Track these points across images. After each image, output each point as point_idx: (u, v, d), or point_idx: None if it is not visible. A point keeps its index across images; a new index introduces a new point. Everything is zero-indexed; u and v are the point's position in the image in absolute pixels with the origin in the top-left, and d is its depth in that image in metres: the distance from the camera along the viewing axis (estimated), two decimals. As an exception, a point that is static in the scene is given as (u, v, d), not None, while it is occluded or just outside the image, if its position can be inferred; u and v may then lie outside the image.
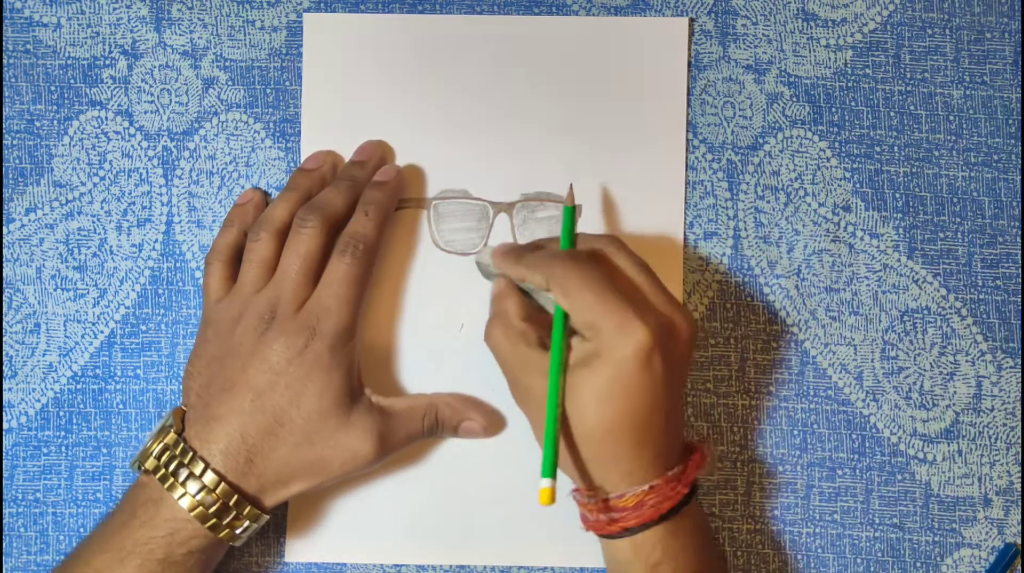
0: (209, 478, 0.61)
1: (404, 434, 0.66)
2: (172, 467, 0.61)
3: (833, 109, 0.71)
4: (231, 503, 0.61)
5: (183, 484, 0.61)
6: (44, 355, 0.70)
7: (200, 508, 0.61)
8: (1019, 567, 0.69)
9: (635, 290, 0.61)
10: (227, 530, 0.61)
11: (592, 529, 0.62)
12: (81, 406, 0.70)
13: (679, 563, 0.61)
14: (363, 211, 0.66)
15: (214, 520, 0.61)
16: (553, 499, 0.59)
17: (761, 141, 0.71)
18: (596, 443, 0.60)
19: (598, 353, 0.59)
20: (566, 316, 0.61)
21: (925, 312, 0.70)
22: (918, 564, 0.69)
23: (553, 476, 0.59)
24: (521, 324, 0.63)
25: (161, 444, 0.62)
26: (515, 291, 0.65)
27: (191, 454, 0.61)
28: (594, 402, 0.59)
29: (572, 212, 0.66)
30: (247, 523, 0.62)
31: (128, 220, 0.70)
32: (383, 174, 0.68)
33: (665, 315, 0.60)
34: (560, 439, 0.60)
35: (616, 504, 0.61)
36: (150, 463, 0.62)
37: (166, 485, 0.61)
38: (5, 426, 0.70)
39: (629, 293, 0.60)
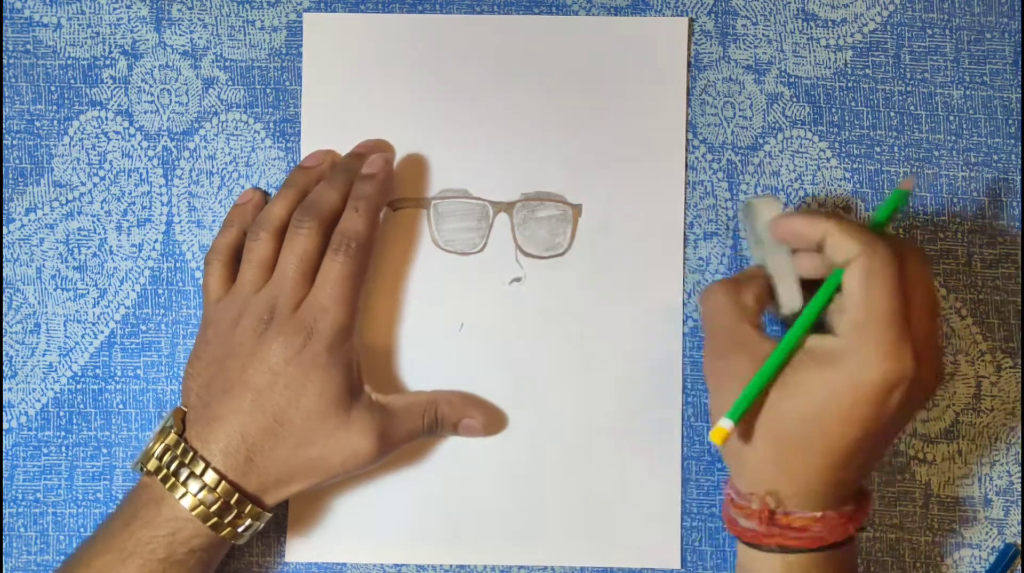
0: (210, 477, 0.61)
1: (404, 432, 0.66)
2: (173, 467, 0.61)
3: (833, 109, 0.71)
4: (232, 502, 0.61)
5: (184, 483, 0.61)
6: (44, 355, 0.70)
7: (201, 507, 0.61)
8: (1019, 567, 0.69)
9: (913, 312, 0.56)
10: (229, 529, 0.61)
11: (739, 535, 0.60)
12: (81, 406, 0.70)
13: None
14: (353, 207, 0.65)
15: (215, 519, 0.61)
16: (725, 440, 0.56)
17: (761, 141, 0.71)
18: (790, 448, 0.57)
19: (839, 359, 0.56)
20: (832, 297, 0.58)
21: (925, 312, 0.70)
22: (918, 564, 0.69)
23: (737, 422, 0.56)
24: (755, 305, 0.61)
25: (162, 445, 0.62)
26: (764, 279, 0.62)
27: (192, 454, 0.61)
28: (809, 406, 0.57)
29: (905, 197, 0.62)
30: (249, 521, 0.62)
31: (128, 220, 0.70)
32: (370, 166, 0.67)
33: (926, 357, 0.56)
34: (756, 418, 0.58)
35: (781, 520, 0.58)
36: (152, 464, 0.62)
37: (167, 485, 0.61)
38: (5, 426, 0.70)
39: (910, 314, 0.56)
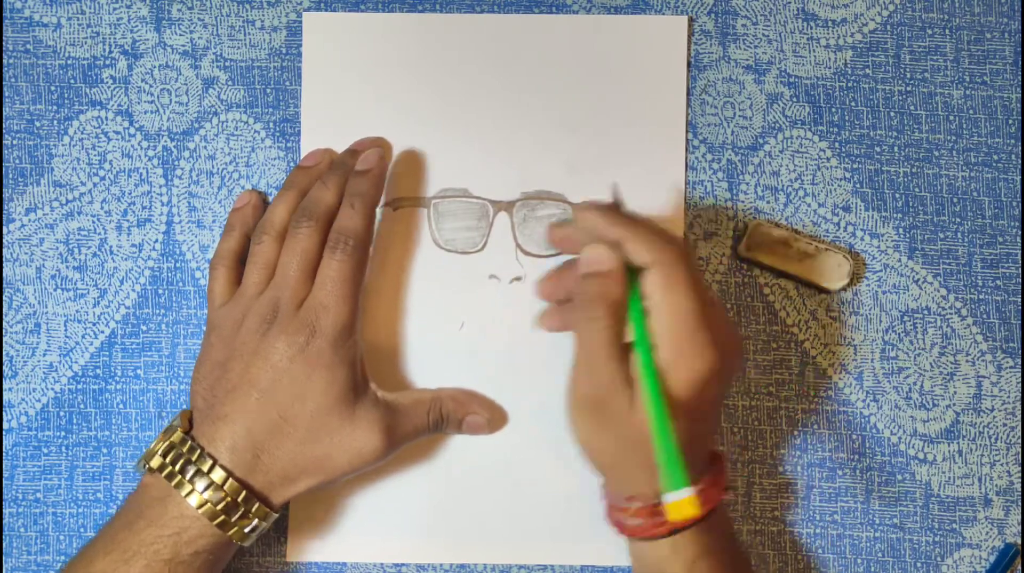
0: (217, 475, 0.61)
1: (410, 428, 0.66)
2: (179, 465, 0.61)
3: (833, 109, 0.71)
4: (239, 500, 0.61)
5: (191, 481, 0.61)
6: (44, 355, 0.70)
7: (208, 505, 0.60)
8: (1019, 567, 0.69)
9: (708, 307, 0.59)
10: (236, 528, 0.61)
11: (632, 534, 0.62)
12: (81, 406, 0.70)
13: (716, 558, 0.61)
14: (349, 204, 0.65)
15: (222, 517, 0.61)
16: (699, 509, 0.57)
17: (761, 141, 0.71)
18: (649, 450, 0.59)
19: (667, 369, 0.58)
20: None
21: (925, 312, 0.70)
22: (918, 564, 0.69)
23: (689, 483, 0.57)
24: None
25: (167, 443, 0.62)
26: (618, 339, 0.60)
27: (199, 451, 0.61)
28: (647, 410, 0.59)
29: None
30: (256, 521, 0.62)
31: (128, 220, 0.70)
32: (364, 162, 0.67)
33: (728, 345, 0.60)
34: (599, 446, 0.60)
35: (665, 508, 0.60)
36: (155, 461, 0.62)
37: (173, 482, 0.61)
38: (5, 426, 0.70)
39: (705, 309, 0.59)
